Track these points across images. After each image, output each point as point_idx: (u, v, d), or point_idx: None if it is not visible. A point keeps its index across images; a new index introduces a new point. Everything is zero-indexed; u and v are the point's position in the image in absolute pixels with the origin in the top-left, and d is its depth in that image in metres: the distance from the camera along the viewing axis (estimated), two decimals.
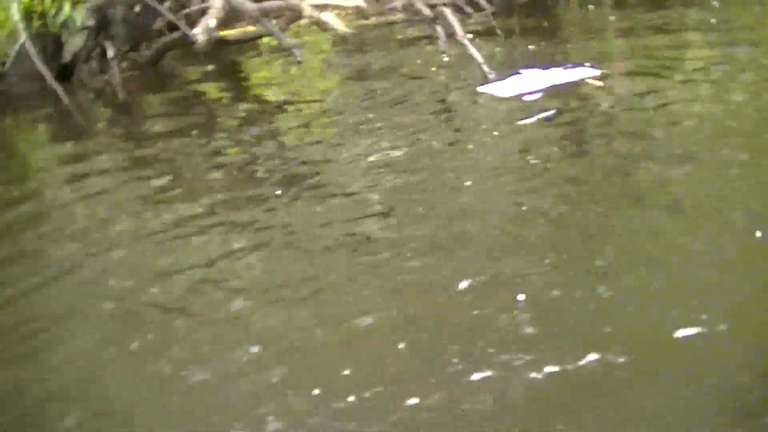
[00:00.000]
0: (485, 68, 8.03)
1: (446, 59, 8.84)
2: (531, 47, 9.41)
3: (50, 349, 4.13)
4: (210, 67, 10.18)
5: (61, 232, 5.64)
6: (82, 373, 3.92)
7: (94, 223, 5.79)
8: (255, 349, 3.94)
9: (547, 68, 8.02)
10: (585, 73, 7.79)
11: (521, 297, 4.10)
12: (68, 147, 7.83)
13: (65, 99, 8.72)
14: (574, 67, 7.99)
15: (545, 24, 10.77)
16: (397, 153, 6.37)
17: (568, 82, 7.61)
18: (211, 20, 8.22)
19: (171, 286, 4.66)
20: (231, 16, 9.23)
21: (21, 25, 8.66)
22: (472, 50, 8.11)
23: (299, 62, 8.60)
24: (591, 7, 11.44)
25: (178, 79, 10.11)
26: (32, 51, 8.64)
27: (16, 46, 9.04)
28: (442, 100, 8.02)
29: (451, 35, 8.55)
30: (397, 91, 8.19)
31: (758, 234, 4.45)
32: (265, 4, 8.90)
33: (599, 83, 7.58)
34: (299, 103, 8.61)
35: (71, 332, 4.30)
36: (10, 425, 3.63)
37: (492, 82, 7.84)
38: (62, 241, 5.47)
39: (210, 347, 4.01)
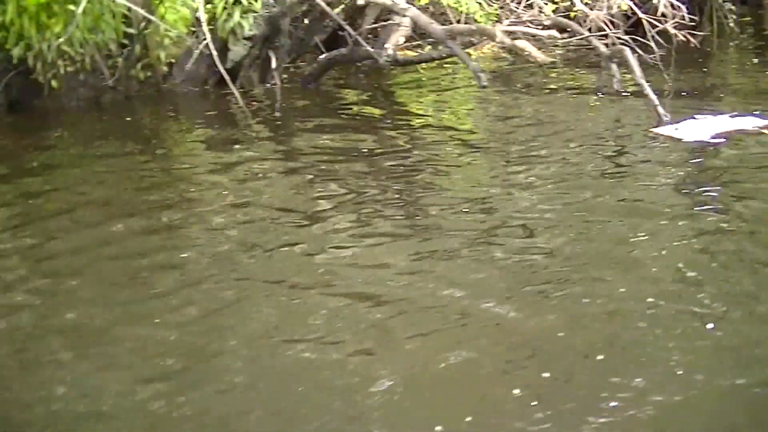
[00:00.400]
0: (660, 110, 7.76)
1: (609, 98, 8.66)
2: (693, 93, 9.10)
3: None
4: (362, 89, 10.24)
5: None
6: None
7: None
8: None
9: (717, 115, 7.78)
10: (754, 122, 7.53)
11: None
12: (228, 150, 7.88)
13: (241, 102, 8.80)
14: (741, 115, 7.72)
15: (704, 71, 10.42)
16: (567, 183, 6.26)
17: (740, 130, 7.35)
18: (400, 38, 8.25)
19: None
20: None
21: (205, 27, 8.76)
22: (649, 91, 7.85)
23: (483, 87, 8.36)
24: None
25: (337, 96, 10.14)
26: (214, 53, 8.75)
27: (195, 47, 9.17)
28: (615, 137, 7.81)
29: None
30: (565, 123, 8.04)
31: None
32: (454, 27, 8.86)
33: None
34: (460, 131, 8.49)
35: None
36: None
37: (666, 124, 7.61)
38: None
39: None
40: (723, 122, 7.56)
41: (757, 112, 7.77)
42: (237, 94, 8.82)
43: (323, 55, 9.95)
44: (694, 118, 7.71)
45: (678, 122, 7.60)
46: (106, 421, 3.60)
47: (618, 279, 4.65)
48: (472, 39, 9.89)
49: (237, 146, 7.92)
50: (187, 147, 8.39)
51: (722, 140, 7.14)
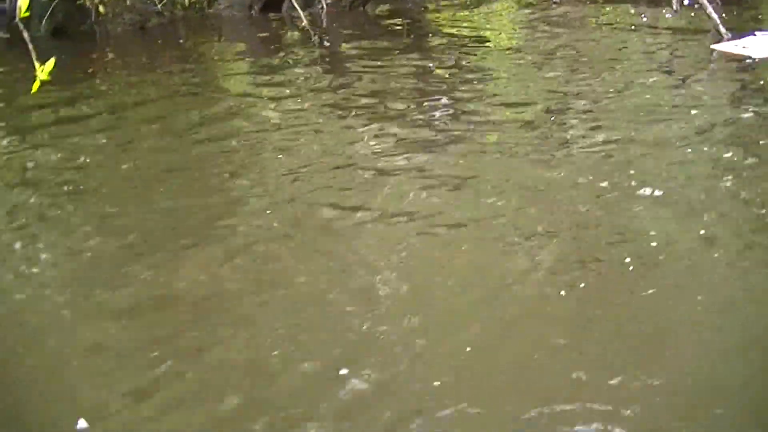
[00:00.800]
0: (722, 28, 7.47)
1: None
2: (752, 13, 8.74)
3: None
4: (411, 13, 9.99)
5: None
6: None
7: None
8: None
9: None
10: None
11: None
12: (270, 73, 7.73)
13: (305, 22, 8.56)
14: None
15: None
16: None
17: None
18: None
19: None
20: None
21: None
22: (710, 9, 7.54)
23: (676, 12, 8.16)
24: None
25: (385, 21, 9.91)
26: None
27: None
28: (676, 56, 7.54)
29: None
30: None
31: None
32: None
33: None
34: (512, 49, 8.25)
35: None
36: None
37: (727, 41, 7.34)
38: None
39: None
40: None
41: None
42: (302, 14, 8.59)
43: None
44: (754, 34, 7.43)
45: (740, 38, 7.33)
46: None
47: None
48: None
49: (279, 70, 7.79)
50: (231, 69, 8.28)
51: None
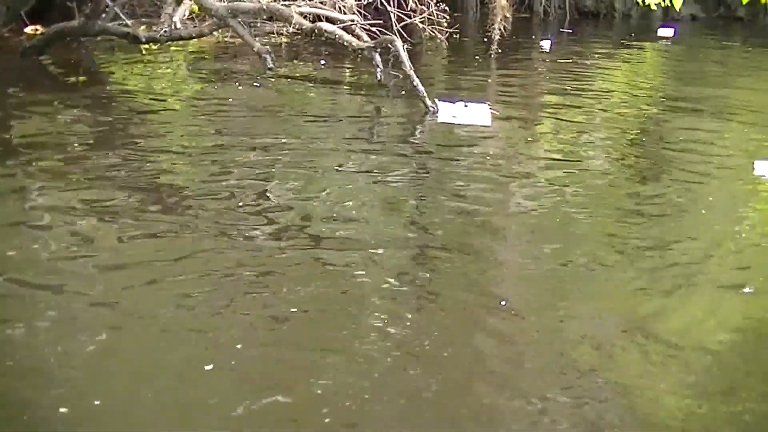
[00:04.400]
0: (428, 101, 7.68)
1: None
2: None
3: None
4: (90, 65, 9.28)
5: None
6: None
7: None
8: None
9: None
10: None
11: None
12: None
13: None
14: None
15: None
16: None
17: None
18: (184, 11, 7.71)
19: None
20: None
21: None
22: (418, 83, 7.73)
23: (269, 69, 8.24)
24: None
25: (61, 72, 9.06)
26: None
27: None
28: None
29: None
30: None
31: None
32: (238, 5, 8.33)
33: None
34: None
35: None
36: None
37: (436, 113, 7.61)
38: None
39: None
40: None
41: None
42: None
43: (54, 26, 8.88)
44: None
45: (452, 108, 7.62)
46: None
47: None
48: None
49: None
50: None
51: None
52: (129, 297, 3.86)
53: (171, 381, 3.26)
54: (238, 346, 3.47)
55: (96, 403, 3.07)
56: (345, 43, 8.20)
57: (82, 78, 8.48)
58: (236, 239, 4.55)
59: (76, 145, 6.12)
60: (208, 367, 3.31)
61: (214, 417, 3.04)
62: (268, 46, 8.27)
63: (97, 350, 3.43)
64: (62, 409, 3.05)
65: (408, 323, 3.76)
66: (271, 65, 8.15)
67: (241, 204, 5.06)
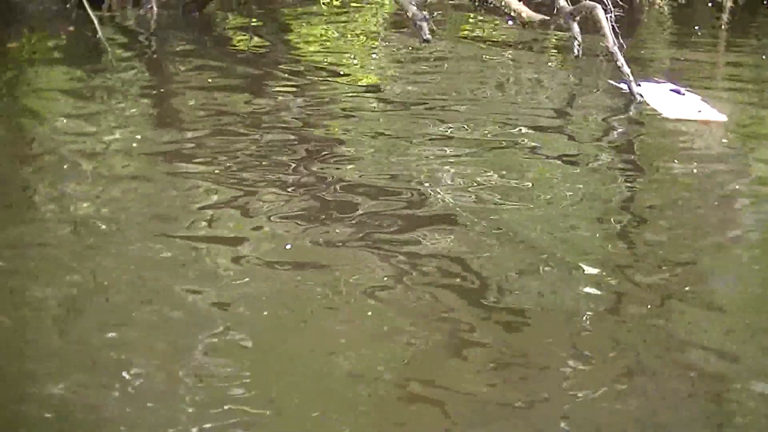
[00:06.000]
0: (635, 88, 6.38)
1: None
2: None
3: None
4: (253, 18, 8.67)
5: None
6: None
7: None
8: None
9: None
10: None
11: None
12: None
13: (100, 33, 7.18)
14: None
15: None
16: None
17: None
18: None
19: None
20: None
21: None
22: (623, 63, 6.44)
23: (425, 41, 6.67)
24: None
25: (224, 28, 8.52)
26: None
27: None
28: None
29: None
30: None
31: None
32: None
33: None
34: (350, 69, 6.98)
35: None
36: None
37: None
38: None
39: None
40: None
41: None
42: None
43: None
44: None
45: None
46: None
47: None
48: None
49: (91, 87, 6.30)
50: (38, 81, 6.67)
51: None
52: None
53: None
54: None
55: None
56: (512, 13, 6.88)
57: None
58: None
59: None
60: None
61: None
62: (426, 12, 7.06)
63: None
64: None
65: None
66: (427, 36, 6.63)
67: None
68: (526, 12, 6.78)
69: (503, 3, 6.79)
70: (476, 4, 7.33)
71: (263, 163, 4.84)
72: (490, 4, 6.98)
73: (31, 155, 4.93)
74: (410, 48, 7.53)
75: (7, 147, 5.15)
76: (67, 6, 8.24)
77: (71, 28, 7.62)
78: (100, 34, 7.18)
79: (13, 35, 7.67)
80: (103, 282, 3.50)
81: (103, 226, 4.02)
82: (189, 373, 2.95)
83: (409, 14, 6.75)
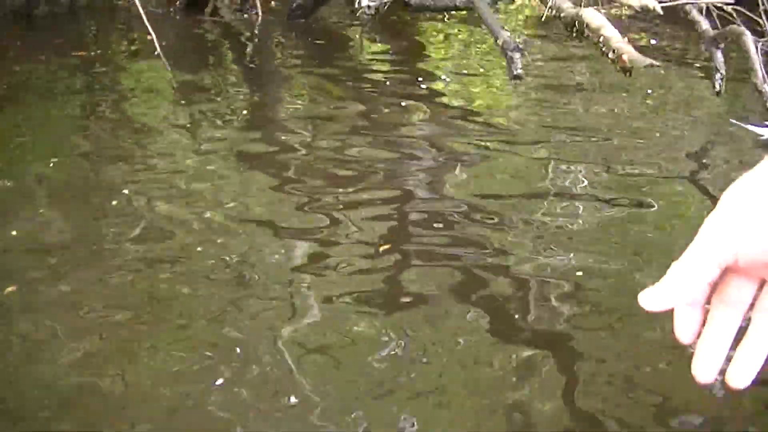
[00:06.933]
0: None
1: None
2: None
3: None
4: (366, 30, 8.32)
5: None
6: None
7: None
8: None
9: None
10: None
11: None
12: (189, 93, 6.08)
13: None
14: None
15: None
16: None
17: None
18: None
19: None
20: None
21: None
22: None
23: (516, 78, 5.23)
24: None
25: (331, 36, 8.26)
26: None
27: None
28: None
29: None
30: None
31: None
32: None
33: None
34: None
35: None
36: None
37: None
38: None
39: None
40: None
41: None
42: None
43: None
44: None
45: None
46: None
47: None
48: None
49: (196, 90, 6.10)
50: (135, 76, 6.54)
51: None
52: None
53: None
54: None
55: None
56: (610, 54, 4.93)
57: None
58: None
59: None
60: None
61: None
62: (519, 39, 6.10)
63: None
64: None
65: None
66: (519, 71, 5.13)
67: None
68: (628, 53, 4.89)
69: (600, 38, 5.05)
70: (572, 33, 5.44)
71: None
72: (586, 36, 5.27)
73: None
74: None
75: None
76: (171, 10, 8.18)
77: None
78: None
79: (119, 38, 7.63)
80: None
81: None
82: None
83: (499, 41, 5.38)
